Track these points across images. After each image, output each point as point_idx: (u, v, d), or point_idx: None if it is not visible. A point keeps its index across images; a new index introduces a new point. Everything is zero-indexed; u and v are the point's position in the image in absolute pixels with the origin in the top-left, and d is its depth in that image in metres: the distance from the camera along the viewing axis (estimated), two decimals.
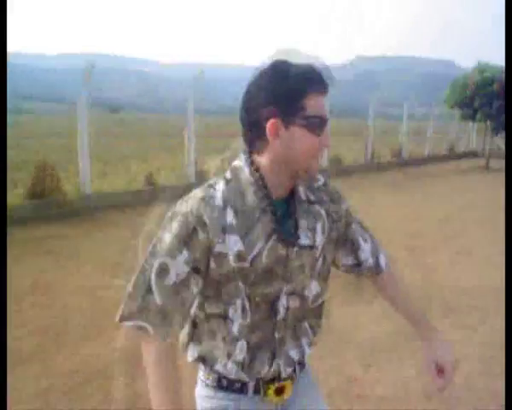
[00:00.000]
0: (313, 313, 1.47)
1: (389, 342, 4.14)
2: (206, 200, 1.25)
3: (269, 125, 1.21)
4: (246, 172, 1.29)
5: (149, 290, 1.23)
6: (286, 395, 1.45)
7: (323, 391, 3.36)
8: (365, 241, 1.54)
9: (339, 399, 3.32)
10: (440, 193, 12.44)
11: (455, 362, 1.54)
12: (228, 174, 1.32)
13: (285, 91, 1.19)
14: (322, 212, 1.40)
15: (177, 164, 11.94)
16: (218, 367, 1.38)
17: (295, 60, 1.25)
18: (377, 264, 1.57)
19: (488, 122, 18.11)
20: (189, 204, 1.26)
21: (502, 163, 19.44)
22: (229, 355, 1.35)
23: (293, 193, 1.35)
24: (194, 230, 1.23)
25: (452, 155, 21.51)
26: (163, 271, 1.23)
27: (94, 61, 9.25)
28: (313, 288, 1.42)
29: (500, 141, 22.90)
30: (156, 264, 1.24)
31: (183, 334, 1.42)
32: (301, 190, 1.37)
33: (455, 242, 7.54)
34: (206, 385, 1.45)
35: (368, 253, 1.54)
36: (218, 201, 1.25)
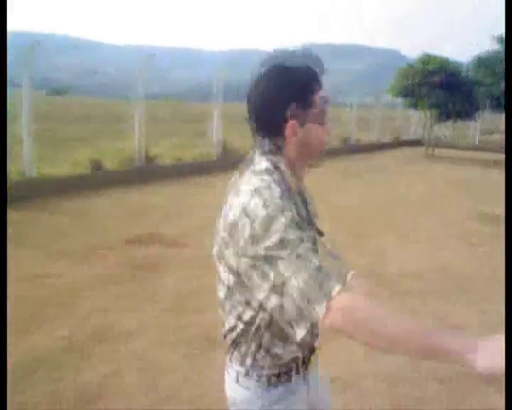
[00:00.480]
0: None
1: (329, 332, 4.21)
2: (269, 185, 1.28)
3: (288, 126, 1.31)
4: (280, 168, 1.36)
5: (310, 262, 1.17)
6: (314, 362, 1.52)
7: None
8: None
9: None
10: (386, 180, 12.73)
11: None
12: (265, 164, 1.35)
13: (298, 94, 1.30)
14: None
15: (124, 149, 11.70)
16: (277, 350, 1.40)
17: (292, 58, 1.35)
18: None
19: (431, 111, 18.64)
20: (272, 192, 1.26)
21: (445, 151, 19.99)
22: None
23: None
24: (289, 212, 1.25)
25: (398, 143, 22.03)
26: (302, 241, 1.20)
27: (38, 40, 8.89)
28: None
29: (444, 130, 23.62)
30: (297, 239, 1.19)
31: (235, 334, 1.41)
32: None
33: (401, 227, 7.74)
34: (256, 390, 1.43)
35: None
36: (279, 192, 1.28)
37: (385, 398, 3.24)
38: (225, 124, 13.44)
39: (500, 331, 1.05)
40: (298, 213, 1.34)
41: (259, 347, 1.38)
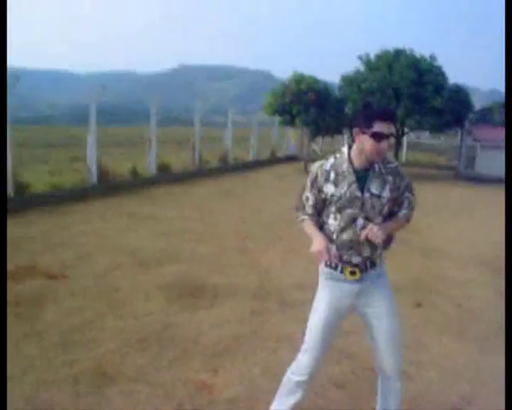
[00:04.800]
0: None
1: (233, 344, 4.19)
2: (321, 165, 2.70)
3: (353, 132, 2.62)
4: (345, 154, 2.67)
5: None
6: (356, 276, 2.67)
7: (173, 403, 3.29)
8: (404, 206, 2.81)
9: (189, 407, 3.26)
10: (266, 196, 13.03)
11: None
12: (337, 154, 2.71)
13: (365, 118, 2.55)
14: (390, 179, 2.66)
15: None
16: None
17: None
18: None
19: (304, 128, 19.45)
20: (314, 166, 2.72)
21: None
22: (331, 241, 2.68)
23: (371, 166, 2.63)
24: (315, 178, 2.70)
25: (274, 160, 22.70)
26: (307, 198, 2.77)
27: None
28: (379, 220, 2.65)
29: (315, 146, 24.72)
30: (304, 194, 2.77)
31: None
32: (376, 166, 2.63)
33: (284, 242, 7.93)
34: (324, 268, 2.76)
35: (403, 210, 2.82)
36: (327, 168, 2.68)
37: None
38: (101, 148, 13.00)
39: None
40: (337, 177, 2.63)
41: None
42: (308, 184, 2.73)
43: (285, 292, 5.44)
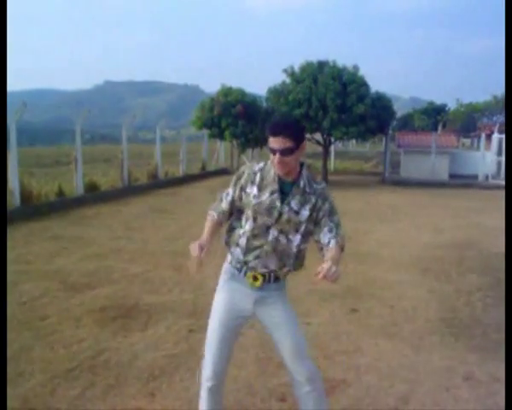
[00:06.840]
0: (293, 254, 2.68)
1: (169, 365, 4.07)
2: (251, 166, 2.72)
3: None
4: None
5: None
6: (257, 284, 2.66)
7: None
8: (332, 233, 2.61)
9: None
10: (197, 210, 12.75)
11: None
12: (268, 160, 2.63)
13: (266, 133, 2.60)
14: (312, 199, 2.61)
15: None
16: (232, 250, 2.75)
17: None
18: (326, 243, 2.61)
19: (234, 141, 19.51)
20: (244, 165, 2.78)
21: None
22: (237, 244, 2.71)
23: (296, 179, 2.62)
24: (241, 176, 2.71)
25: (205, 174, 22.61)
26: (227, 193, 2.78)
27: None
28: (296, 238, 2.64)
29: (245, 158, 24.88)
30: (226, 190, 2.79)
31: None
32: (302, 182, 2.62)
33: (217, 255, 7.80)
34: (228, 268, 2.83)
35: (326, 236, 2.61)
36: (255, 169, 2.67)
37: None
38: (24, 169, 12.48)
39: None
40: (262, 181, 2.63)
41: None
42: (233, 179, 2.75)
43: None
